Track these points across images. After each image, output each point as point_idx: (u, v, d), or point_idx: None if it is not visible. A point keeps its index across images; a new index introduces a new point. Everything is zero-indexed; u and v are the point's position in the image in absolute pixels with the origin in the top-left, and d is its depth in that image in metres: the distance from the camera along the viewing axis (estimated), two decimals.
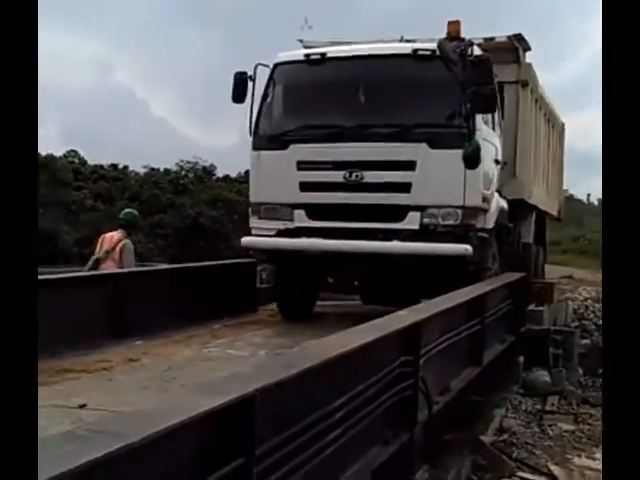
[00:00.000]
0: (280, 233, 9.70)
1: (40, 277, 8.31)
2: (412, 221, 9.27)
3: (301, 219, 9.59)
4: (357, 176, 9.32)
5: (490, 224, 9.77)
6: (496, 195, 10.14)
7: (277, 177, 9.69)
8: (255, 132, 9.87)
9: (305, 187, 9.53)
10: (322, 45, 10.83)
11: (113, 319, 8.02)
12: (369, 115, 9.61)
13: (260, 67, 9.95)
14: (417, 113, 9.44)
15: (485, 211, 9.62)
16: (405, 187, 9.24)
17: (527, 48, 11.32)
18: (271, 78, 9.96)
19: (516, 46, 11.01)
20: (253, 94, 9.95)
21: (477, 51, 9.38)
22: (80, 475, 2.13)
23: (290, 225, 9.65)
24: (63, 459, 2.14)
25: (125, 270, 9.93)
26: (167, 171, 48.26)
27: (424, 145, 9.18)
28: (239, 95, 9.95)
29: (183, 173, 47.58)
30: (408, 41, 10.54)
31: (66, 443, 2.31)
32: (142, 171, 48.77)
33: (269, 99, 9.95)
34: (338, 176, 9.37)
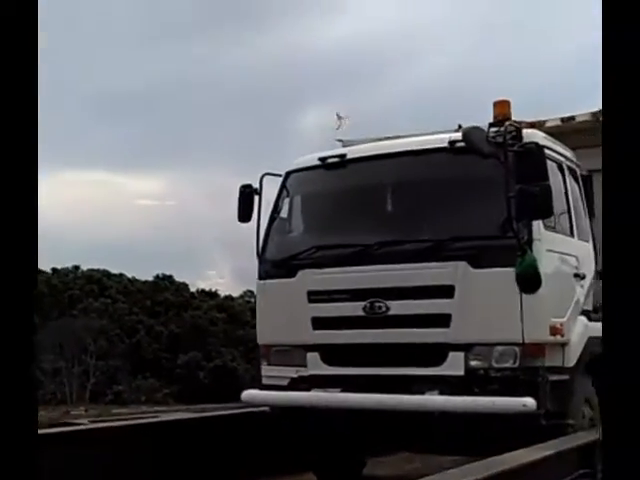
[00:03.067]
0: (294, 383, 7.58)
1: None
2: (454, 365, 6.90)
3: (315, 365, 7.46)
4: (380, 307, 7.13)
5: (571, 361, 7.17)
6: (582, 320, 7.51)
7: (286, 312, 7.68)
8: (261, 257, 7.95)
9: (318, 323, 7.44)
10: (365, 143, 8.81)
11: None
12: (395, 229, 7.50)
13: (269, 177, 8.11)
14: (455, 223, 7.21)
15: (561, 345, 7.07)
16: (442, 320, 6.94)
17: None
18: (282, 190, 8.10)
19: None
20: (259, 211, 8.08)
21: (534, 137, 7.08)
22: None
23: (304, 372, 7.53)
24: None
25: None
26: None
27: (463, 264, 6.89)
28: (245, 213, 8.14)
29: None
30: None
31: None
32: None
33: (279, 215, 8.05)
34: (357, 308, 7.22)
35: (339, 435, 7.96)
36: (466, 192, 7.24)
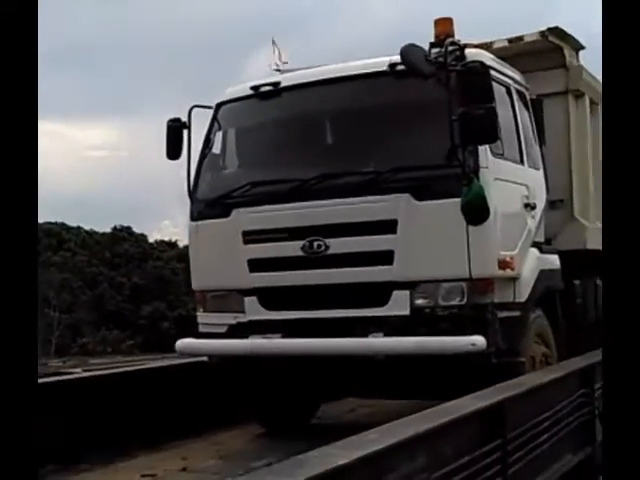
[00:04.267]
0: (232, 329, 7.12)
1: None
2: (399, 304, 6.48)
3: (254, 310, 6.99)
4: (319, 246, 6.66)
5: (523, 296, 6.79)
6: (534, 252, 7.11)
7: (221, 254, 7.18)
8: (192, 196, 7.41)
9: (255, 266, 6.96)
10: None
11: None
12: (334, 161, 7.00)
13: (198, 110, 7.53)
14: (397, 152, 6.74)
15: (511, 280, 6.68)
16: (385, 257, 6.49)
17: (577, 46, 8.23)
18: (213, 122, 7.52)
19: (558, 44, 7.96)
20: (189, 147, 7.52)
21: (478, 57, 6.57)
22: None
23: (242, 318, 7.06)
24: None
25: None
26: None
27: (406, 196, 6.42)
28: (174, 149, 7.56)
29: None
30: None
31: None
32: None
33: (211, 151, 7.49)
34: (295, 248, 6.74)
35: (282, 383, 7.56)
36: (408, 119, 6.75)
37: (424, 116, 6.59)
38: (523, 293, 6.80)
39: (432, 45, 6.49)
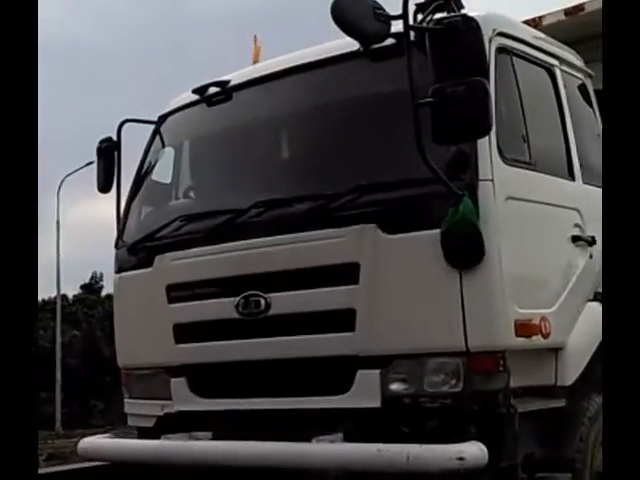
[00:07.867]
0: (162, 423, 5.12)
1: None
2: (366, 391, 4.30)
3: (182, 397, 4.97)
4: (257, 304, 4.58)
5: (570, 377, 4.45)
6: (592, 309, 4.68)
7: (145, 318, 5.22)
8: (118, 239, 5.54)
9: (181, 334, 4.96)
10: None
11: None
12: (281, 182, 4.95)
13: (129, 126, 5.68)
14: (359, 164, 4.60)
15: (550, 352, 4.37)
16: (343, 320, 4.35)
17: None
18: (152, 140, 5.66)
19: None
20: (119, 174, 5.65)
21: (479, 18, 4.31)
22: None
23: (170, 408, 5.05)
24: None
25: None
26: None
27: (371, 228, 4.27)
28: (105, 179, 5.75)
29: None
30: None
31: None
32: None
33: (146, 177, 5.61)
34: (228, 307, 4.69)
35: None
36: (376, 115, 4.61)
37: (397, 109, 4.41)
38: (571, 372, 4.45)
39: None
